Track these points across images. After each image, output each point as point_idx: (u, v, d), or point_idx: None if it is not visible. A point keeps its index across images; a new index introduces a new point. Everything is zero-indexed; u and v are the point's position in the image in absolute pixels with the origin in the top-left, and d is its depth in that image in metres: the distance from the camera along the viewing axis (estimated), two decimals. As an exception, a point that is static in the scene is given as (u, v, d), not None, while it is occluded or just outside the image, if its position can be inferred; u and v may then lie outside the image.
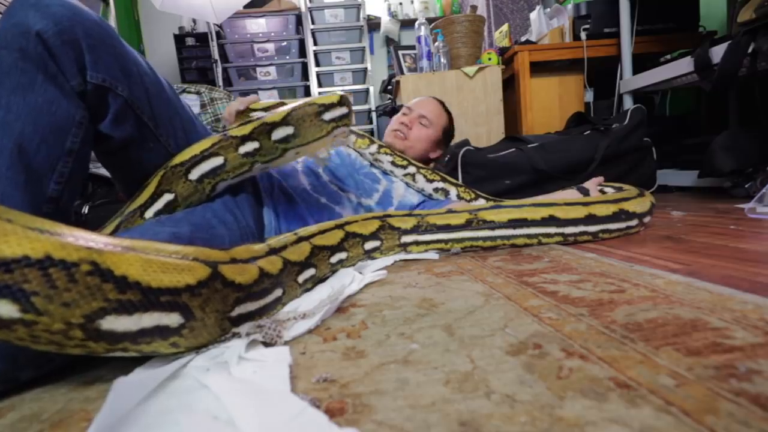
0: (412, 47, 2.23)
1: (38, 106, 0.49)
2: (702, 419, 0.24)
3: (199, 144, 0.68)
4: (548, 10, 2.16)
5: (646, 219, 0.85)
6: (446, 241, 0.80)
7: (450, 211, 0.81)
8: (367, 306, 0.52)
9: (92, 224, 0.95)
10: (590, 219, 0.78)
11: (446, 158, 1.47)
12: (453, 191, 1.09)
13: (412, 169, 1.08)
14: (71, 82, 0.51)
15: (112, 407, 0.27)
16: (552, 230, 0.78)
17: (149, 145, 0.62)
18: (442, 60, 1.94)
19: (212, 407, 0.30)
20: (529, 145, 1.39)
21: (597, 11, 1.86)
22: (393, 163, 1.08)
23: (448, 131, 1.22)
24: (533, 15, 2.15)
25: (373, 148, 1.08)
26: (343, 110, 0.75)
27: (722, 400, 0.26)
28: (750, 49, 1.14)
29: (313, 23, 3.01)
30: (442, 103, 1.24)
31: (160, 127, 0.63)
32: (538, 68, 1.93)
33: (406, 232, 0.80)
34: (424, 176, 1.08)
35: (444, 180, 1.09)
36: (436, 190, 1.09)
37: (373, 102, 3.10)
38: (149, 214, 0.66)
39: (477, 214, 0.79)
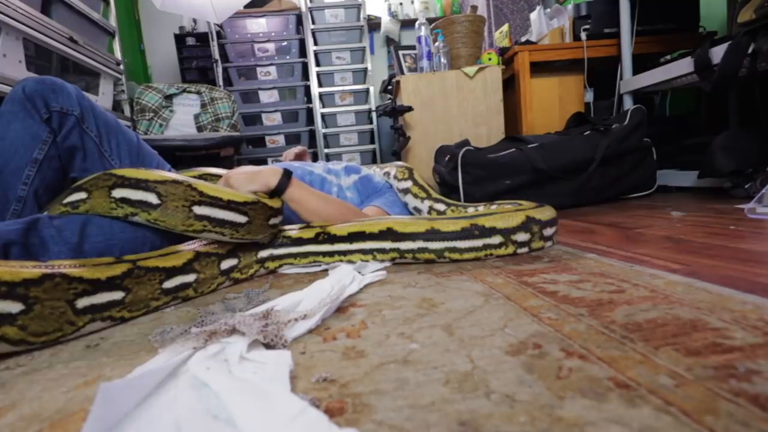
0: (413, 47, 2.23)
1: (18, 130, 0.70)
2: (701, 419, 0.24)
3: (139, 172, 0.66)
4: (548, 10, 2.16)
5: (519, 236, 0.72)
6: (295, 256, 0.77)
7: (306, 226, 0.78)
8: (366, 306, 0.52)
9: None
10: (432, 234, 0.70)
11: (446, 158, 1.47)
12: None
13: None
14: (41, 112, 0.71)
15: (98, 414, 0.27)
16: (387, 245, 0.72)
17: (94, 155, 0.78)
18: (442, 60, 1.94)
19: (212, 406, 0.30)
20: (529, 145, 1.39)
21: (597, 11, 1.86)
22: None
23: None
24: (533, 15, 2.15)
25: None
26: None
27: (721, 400, 0.26)
28: (750, 50, 1.14)
29: (313, 23, 3.01)
30: None
31: (104, 144, 0.80)
32: (538, 68, 1.93)
33: (263, 246, 0.75)
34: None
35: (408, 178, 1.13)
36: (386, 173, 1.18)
37: (373, 102, 3.10)
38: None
39: (325, 228, 0.76)
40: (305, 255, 0.77)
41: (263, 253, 0.75)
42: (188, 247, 0.66)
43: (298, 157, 1.31)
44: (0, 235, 0.56)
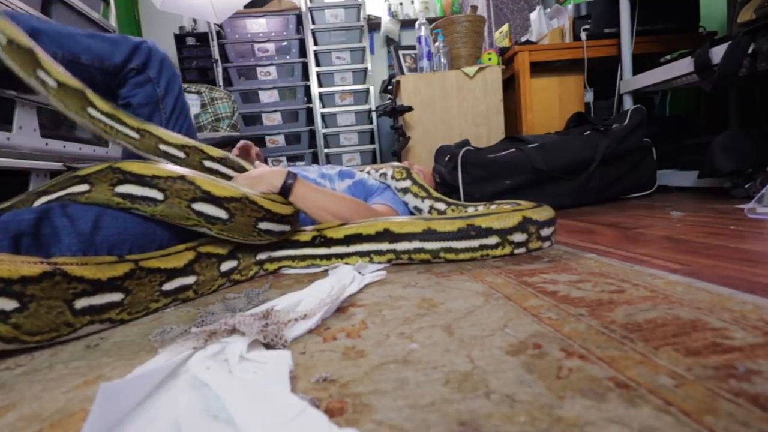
0: (413, 47, 2.23)
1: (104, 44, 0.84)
2: (701, 419, 0.24)
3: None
4: (548, 10, 2.16)
5: (516, 237, 0.71)
6: (293, 258, 0.77)
7: (299, 230, 0.78)
8: (366, 306, 0.52)
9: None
10: (429, 234, 0.70)
11: (446, 158, 1.47)
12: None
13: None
14: (131, 53, 0.85)
15: (98, 414, 0.27)
16: (384, 246, 0.73)
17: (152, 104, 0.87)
18: (442, 60, 1.94)
19: (212, 406, 0.30)
20: (529, 145, 1.39)
21: (597, 11, 1.86)
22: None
23: None
24: (533, 15, 2.15)
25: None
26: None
27: (721, 400, 0.26)
28: (750, 50, 1.14)
29: (313, 23, 3.01)
30: None
31: (162, 104, 0.89)
32: (538, 68, 1.93)
33: (262, 248, 0.75)
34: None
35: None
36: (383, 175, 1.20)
37: (373, 102, 3.10)
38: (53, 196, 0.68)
39: (322, 231, 0.76)
40: (303, 258, 0.77)
41: (262, 255, 0.75)
42: (189, 247, 0.66)
43: (244, 150, 1.19)
44: (11, 226, 0.55)
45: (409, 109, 1.86)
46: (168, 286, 0.59)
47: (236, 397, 0.29)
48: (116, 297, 0.52)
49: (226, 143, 2.27)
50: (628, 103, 1.76)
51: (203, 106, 2.46)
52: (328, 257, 0.76)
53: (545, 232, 0.75)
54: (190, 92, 2.47)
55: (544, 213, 0.75)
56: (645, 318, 0.40)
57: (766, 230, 0.77)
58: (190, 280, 0.62)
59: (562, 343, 0.36)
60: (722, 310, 0.40)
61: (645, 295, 0.46)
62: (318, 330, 0.45)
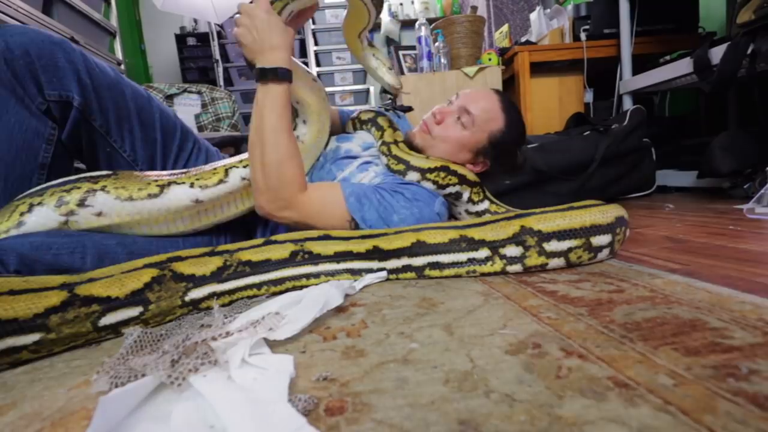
0: (413, 47, 2.22)
1: (11, 125, 0.55)
2: (700, 418, 0.24)
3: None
4: (548, 10, 2.16)
5: (508, 250, 0.60)
6: (259, 285, 0.59)
7: (269, 242, 0.62)
8: (366, 305, 0.52)
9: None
10: (418, 247, 0.62)
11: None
12: (466, 194, 0.88)
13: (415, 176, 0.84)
14: (36, 102, 0.56)
15: (98, 424, 0.27)
16: (374, 264, 0.63)
17: (106, 150, 0.65)
18: (442, 60, 1.94)
19: (209, 416, 0.29)
20: (529, 146, 1.39)
21: (597, 12, 1.86)
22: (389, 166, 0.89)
23: (498, 142, 0.86)
24: (533, 15, 2.15)
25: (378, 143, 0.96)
26: None
27: (720, 399, 0.26)
28: (749, 50, 1.14)
29: (313, 23, 3.01)
30: (505, 102, 0.88)
31: (114, 134, 0.65)
32: (538, 69, 1.94)
33: (199, 281, 0.54)
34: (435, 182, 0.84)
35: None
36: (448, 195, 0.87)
37: (373, 102, 3.10)
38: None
39: (303, 245, 0.62)
40: (281, 281, 0.60)
41: (195, 293, 0.54)
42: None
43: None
44: None
45: (409, 109, 1.85)
46: (105, 321, 0.47)
47: (232, 409, 0.29)
48: (31, 338, 0.42)
49: (227, 143, 2.27)
50: (628, 104, 1.76)
51: (204, 106, 2.46)
52: (317, 275, 0.62)
53: (553, 246, 0.59)
54: (190, 92, 2.47)
55: (555, 221, 0.59)
56: (644, 317, 0.40)
57: (766, 230, 0.78)
58: (135, 311, 0.49)
59: (561, 343, 0.36)
60: (721, 310, 0.40)
61: (644, 295, 0.46)
62: (318, 329, 0.45)
